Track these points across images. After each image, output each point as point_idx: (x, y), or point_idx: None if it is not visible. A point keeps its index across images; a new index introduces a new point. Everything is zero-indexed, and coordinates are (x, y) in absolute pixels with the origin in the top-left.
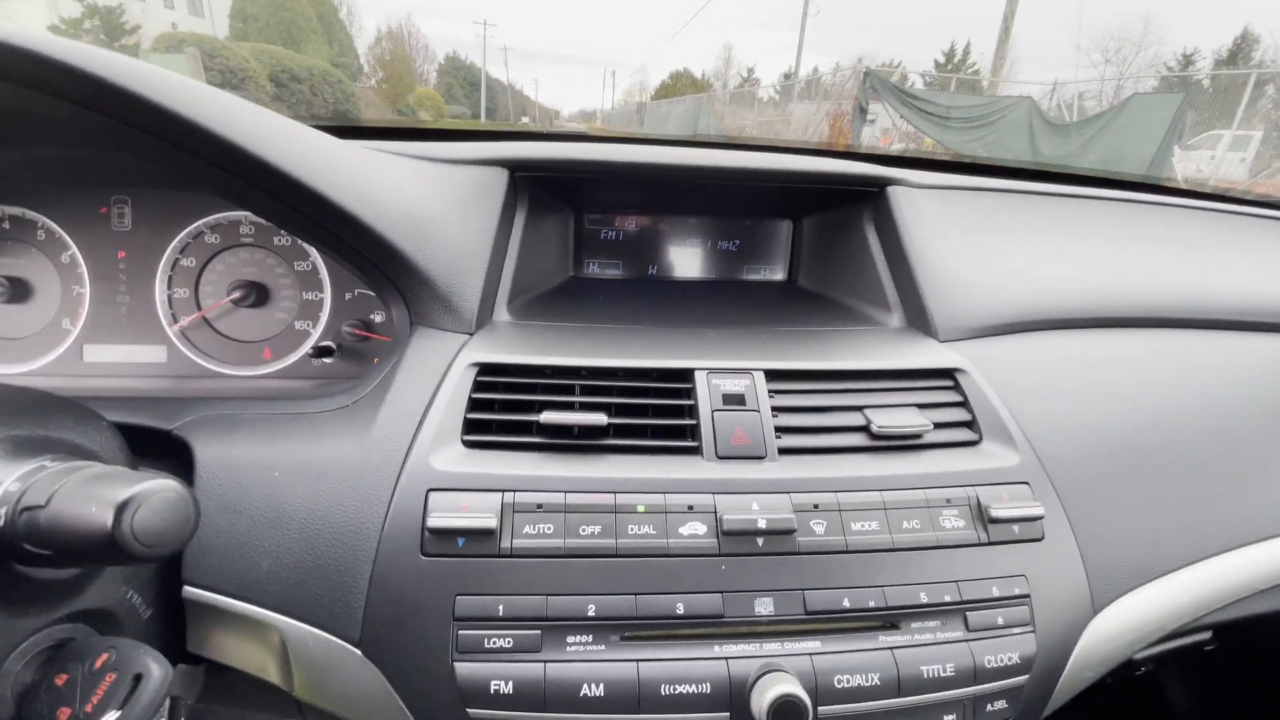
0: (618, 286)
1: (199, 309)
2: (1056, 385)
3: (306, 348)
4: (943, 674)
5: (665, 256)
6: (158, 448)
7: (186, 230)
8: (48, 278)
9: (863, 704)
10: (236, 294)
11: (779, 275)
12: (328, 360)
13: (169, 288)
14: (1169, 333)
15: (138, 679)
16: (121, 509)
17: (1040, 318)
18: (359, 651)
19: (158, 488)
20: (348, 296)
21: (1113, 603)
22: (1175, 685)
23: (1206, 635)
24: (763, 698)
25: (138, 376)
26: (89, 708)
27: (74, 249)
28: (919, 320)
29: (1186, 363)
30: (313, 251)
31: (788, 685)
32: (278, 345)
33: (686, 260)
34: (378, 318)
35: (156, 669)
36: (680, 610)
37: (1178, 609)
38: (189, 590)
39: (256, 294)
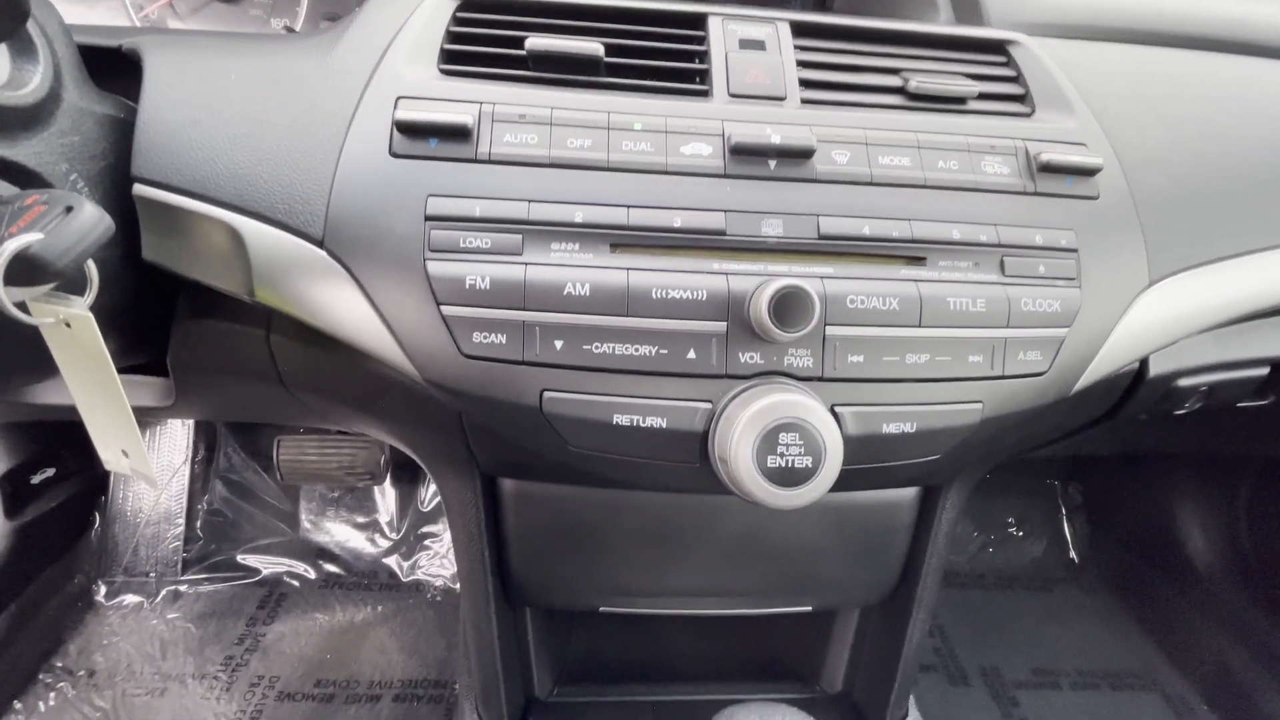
0: None
1: None
2: (1128, 91)
3: None
4: (972, 308)
5: None
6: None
7: None
8: None
9: (877, 329)
10: None
11: None
12: None
13: None
14: (1254, 61)
15: (69, 210)
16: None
17: (1113, 24)
18: (322, 252)
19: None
20: None
21: (1169, 277)
22: (1212, 434)
23: (1263, 372)
24: (763, 293)
25: None
26: (12, 230)
27: None
28: (969, 14)
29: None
30: None
31: (793, 280)
32: None
33: None
34: None
35: (90, 205)
36: (677, 223)
37: (1237, 298)
38: (139, 188)
39: None
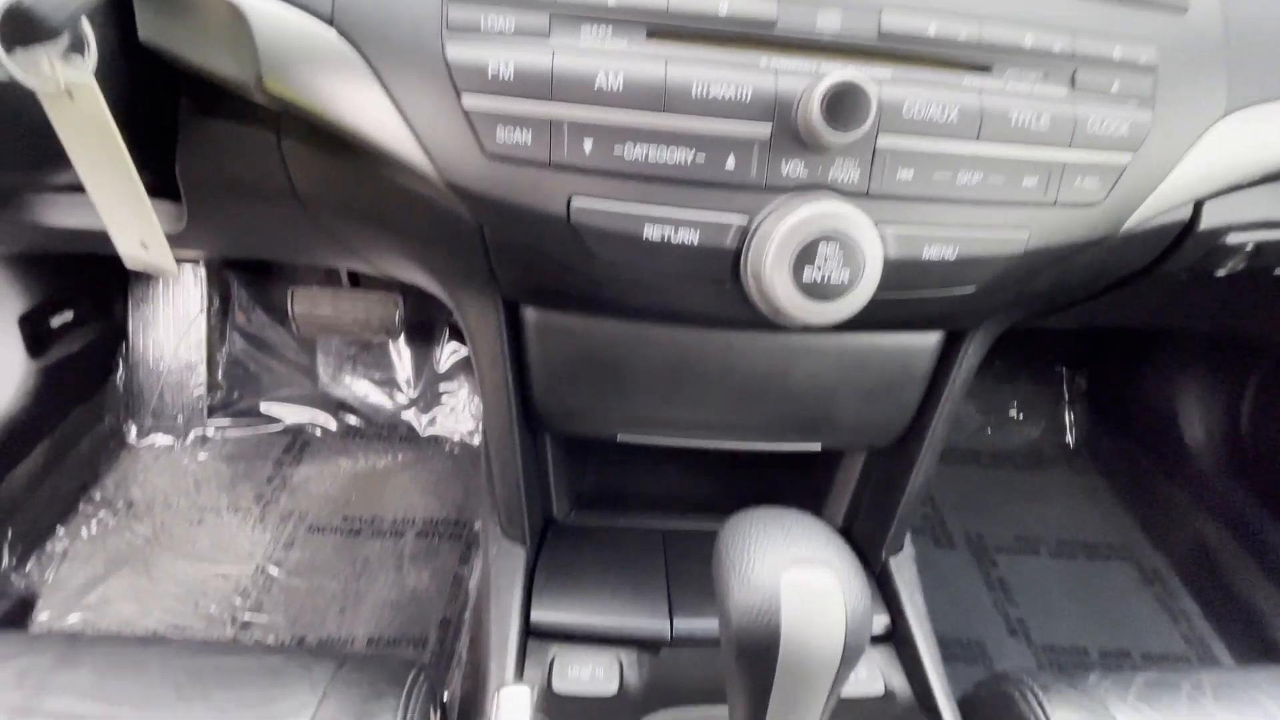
0: None
1: None
2: None
3: None
4: (1035, 125)
5: None
6: None
7: None
8: None
9: (933, 140)
10: None
11: None
12: None
13: None
14: None
15: None
16: None
17: None
18: (332, 31)
19: None
20: None
21: (1245, 109)
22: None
23: None
24: (816, 89)
25: None
26: None
27: None
28: None
29: None
30: None
31: (847, 74)
32: None
33: None
34: None
35: None
36: (723, 10)
37: None
38: None
39: None
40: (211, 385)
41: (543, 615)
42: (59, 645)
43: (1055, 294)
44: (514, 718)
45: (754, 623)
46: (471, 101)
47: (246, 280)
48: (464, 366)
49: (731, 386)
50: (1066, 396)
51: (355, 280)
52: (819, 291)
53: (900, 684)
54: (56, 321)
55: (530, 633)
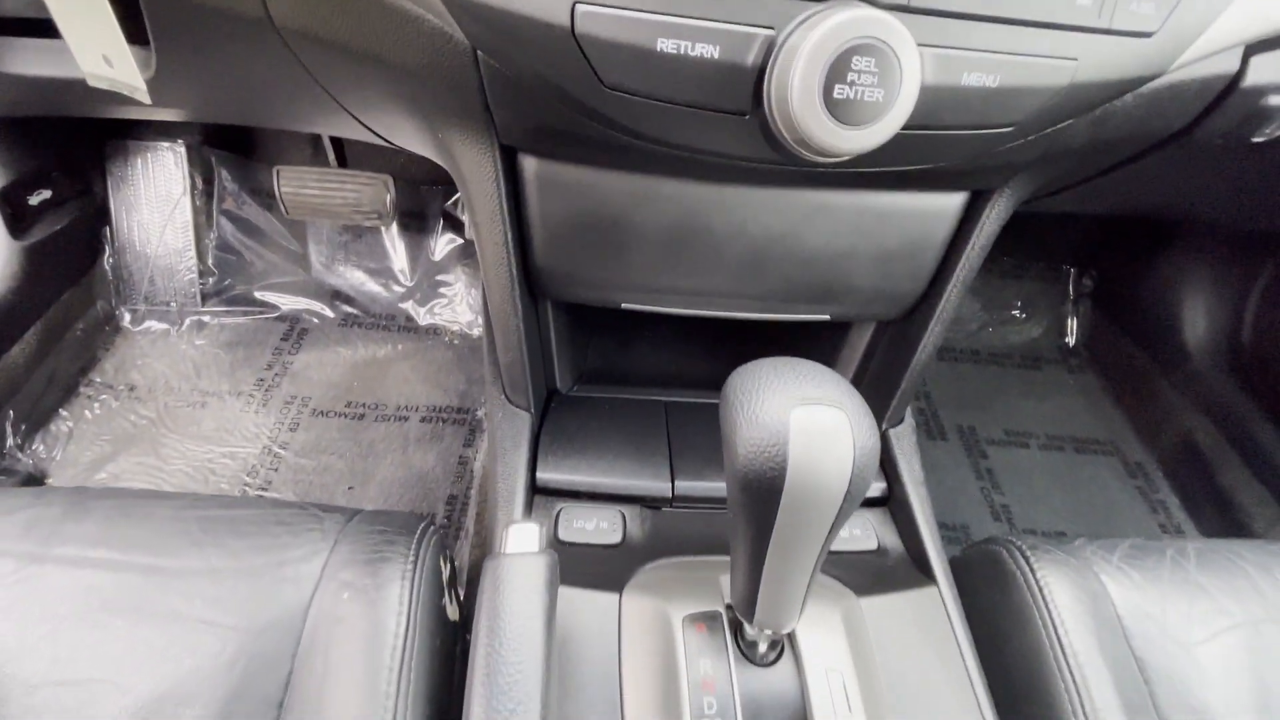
0: None
1: None
2: None
3: None
4: None
5: None
6: None
7: None
8: None
9: None
10: None
11: None
12: None
13: None
14: None
15: None
16: None
17: None
18: None
19: None
20: None
21: None
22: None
23: None
24: None
25: None
26: None
27: None
28: None
29: None
30: None
31: None
32: None
33: None
34: None
35: None
36: None
37: None
38: None
39: None
40: (203, 271)
41: (548, 475)
42: (67, 497)
43: (1089, 153)
44: (522, 548)
45: (760, 457)
46: None
47: (229, 162)
48: (460, 255)
49: (741, 249)
50: (1072, 295)
51: (343, 163)
52: (850, 113)
53: (893, 542)
54: (35, 199)
55: (536, 490)
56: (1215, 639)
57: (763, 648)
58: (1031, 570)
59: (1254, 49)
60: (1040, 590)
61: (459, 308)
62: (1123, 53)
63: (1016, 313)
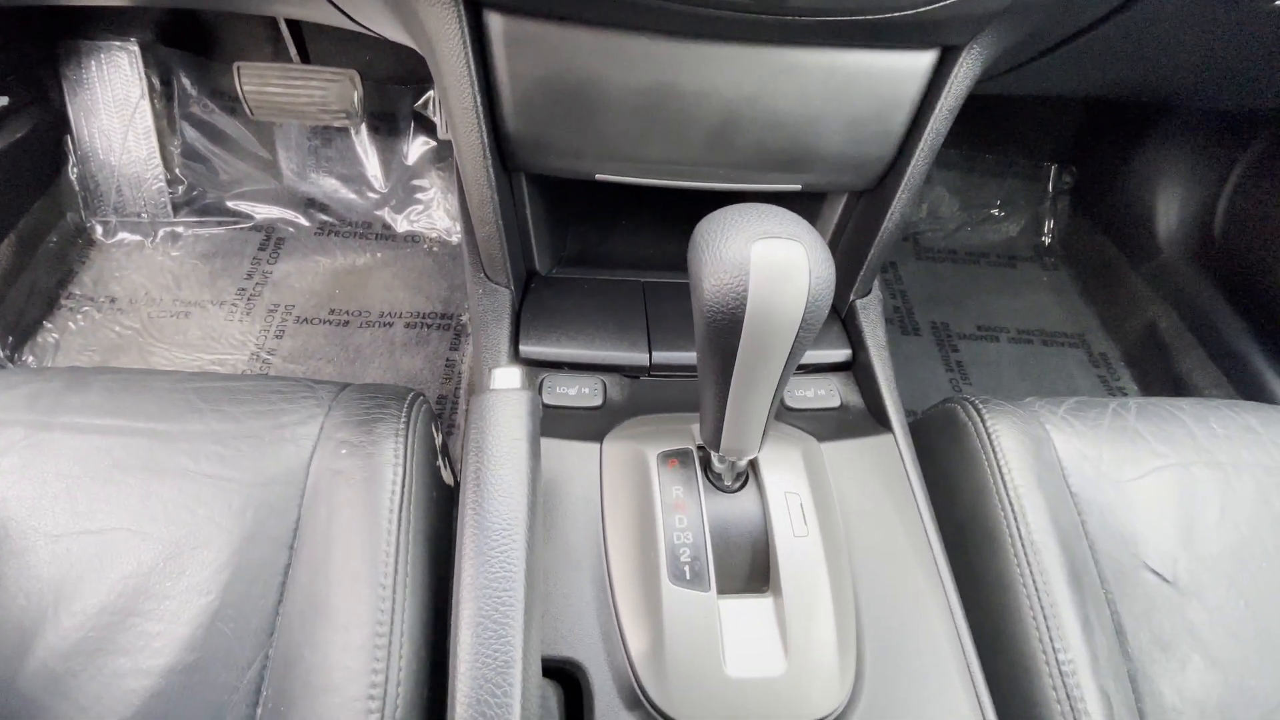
0: None
1: None
2: None
3: None
4: None
5: None
6: None
7: None
8: None
9: None
10: None
11: None
12: None
13: None
14: None
15: None
16: None
17: None
18: None
19: None
20: None
21: None
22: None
23: None
24: None
25: None
26: None
27: None
28: None
29: None
30: None
31: None
32: None
33: None
34: None
35: None
36: None
37: None
38: None
39: None
40: (170, 180)
41: (530, 348)
42: (67, 373)
43: (1056, 8)
44: (506, 385)
45: (723, 289)
46: None
47: (187, 61)
48: (434, 159)
49: (713, 112)
50: (1051, 192)
51: (305, 60)
52: None
53: (855, 400)
54: None
55: (519, 361)
56: (1146, 477)
57: (728, 480)
58: (983, 420)
59: None
60: (989, 437)
61: (436, 214)
62: None
63: (995, 211)
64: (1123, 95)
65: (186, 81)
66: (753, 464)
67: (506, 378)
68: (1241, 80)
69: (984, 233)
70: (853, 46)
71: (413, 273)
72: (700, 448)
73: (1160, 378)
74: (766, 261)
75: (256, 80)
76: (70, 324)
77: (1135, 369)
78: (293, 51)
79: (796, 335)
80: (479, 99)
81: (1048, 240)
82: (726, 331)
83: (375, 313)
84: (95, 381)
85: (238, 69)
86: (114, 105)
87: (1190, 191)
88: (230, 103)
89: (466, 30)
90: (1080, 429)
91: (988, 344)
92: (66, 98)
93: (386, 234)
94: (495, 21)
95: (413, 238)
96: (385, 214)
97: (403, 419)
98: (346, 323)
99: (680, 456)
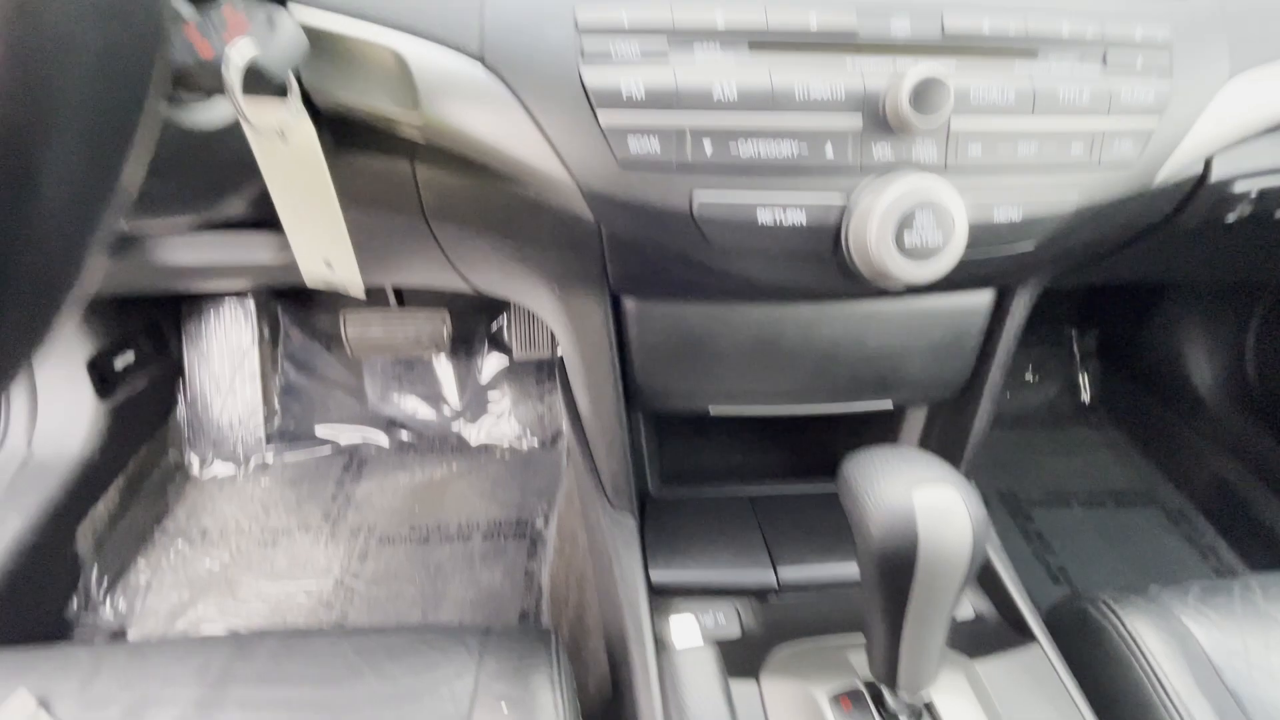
0: None
1: None
2: None
3: None
4: (1077, 99)
5: None
6: None
7: None
8: None
9: (995, 117)
10: None
11: None
12: None
13: None
14: None
15: (269, 20)
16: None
17: None
18: (481, 67)
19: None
20: None
21: (1246, 72)
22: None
23: None
24: (903, 83)
25: None
26: (226, 38)
27: None
28: None
29: None
30: None
31: (926, 70)
32: None
33: None
34: None
35: (287, 15)
36: (813, 24)
37: None
38: (294, 6)
39: None
40: (267, 415)
41: (659, 575)
42: (228, 642)
43: (1091, 247)
44: (687, 642)
45: (893, 535)
46: (607, 119)
47: (293, 309)
48: (505, 376)
49: (812, 353)
50: (1077, 355)
51: (400, 301)
52: (918, 253)
53: (987, 608)
54: (120, 363)
55: (652, 590)
56: None
57: (904, 719)
58: (1120, 621)
59: (1212, 155)
60: (1132, 638)
61: (508, 422)
62: (1112, 180)
63: (1029, 376)
64: (1137, 282)
65: (291, 326)
66: (928, 707)
67: (683, 630)
68: (1245, 269)
69: (1024, 398)
70: (922, 294)
71: (486, 482)
72: (869, 684)
73: (1247, 532)
74: (930, 507)
75: (360, 325)
76: (163, 561)
77: (1216, 522)
78: (390, 297)
79: (964, 577)
80: (615, 359)
81: (1087, 400)
82: (899, 573)
83: (453, 525)
84: (259, 647)
85: (344, 316)
86: (226, 353)
87: (1214, 341)
88: (326, 340)
89: (610, 312)
90: (1216, 618)
91: (1061, 510)
92: (185, 349)
93: (461, 446)
94: (630, 304)
95: (486, 448)
96: (459, 426)
97: (554, 664)
98: (426, 539)
99: (853, 698)
